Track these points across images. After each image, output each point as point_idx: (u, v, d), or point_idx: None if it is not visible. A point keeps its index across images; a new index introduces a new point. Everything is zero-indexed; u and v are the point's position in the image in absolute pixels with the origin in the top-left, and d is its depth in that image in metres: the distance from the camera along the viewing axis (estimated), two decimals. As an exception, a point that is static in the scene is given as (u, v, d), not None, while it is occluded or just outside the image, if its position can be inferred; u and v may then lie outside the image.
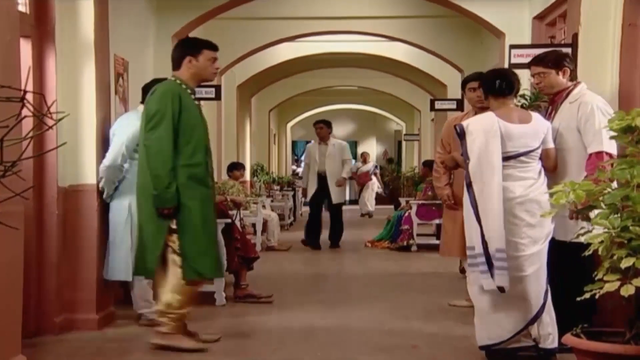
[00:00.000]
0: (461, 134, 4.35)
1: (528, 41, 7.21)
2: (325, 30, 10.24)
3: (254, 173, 14.06)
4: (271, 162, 18.82)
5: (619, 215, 3.27)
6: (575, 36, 5.04)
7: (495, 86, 4.44)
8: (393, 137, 25.38)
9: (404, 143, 22.63)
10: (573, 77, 4.54)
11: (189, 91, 4.52)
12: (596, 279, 3.33)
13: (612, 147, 4.11)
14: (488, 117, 4.37)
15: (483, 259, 4.20)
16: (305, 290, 7.25)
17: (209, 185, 4.58)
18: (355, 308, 6.10)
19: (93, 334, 5.03)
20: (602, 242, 3.28)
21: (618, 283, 3.22)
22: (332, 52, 12.51)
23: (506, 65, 6.07)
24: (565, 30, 5.93)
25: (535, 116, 4.45)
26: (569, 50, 5.14)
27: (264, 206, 11.05)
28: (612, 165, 3.61)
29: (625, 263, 3.15)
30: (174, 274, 4.48)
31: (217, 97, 8.25)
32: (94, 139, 5.22)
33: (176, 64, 4.59)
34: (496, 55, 8.11)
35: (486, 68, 9.33)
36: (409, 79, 14.18)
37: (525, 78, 7.09)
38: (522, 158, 4.27)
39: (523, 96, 6.83)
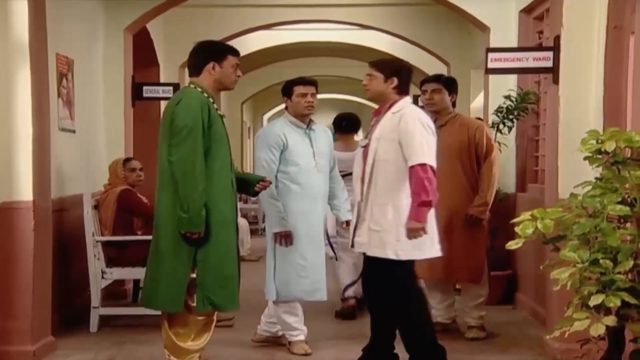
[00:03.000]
0: None
1: (515, 36, 7.22)
2: (297, 20, 10.17)
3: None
4: (245, 157, 18.76)
5: (589, 247, 3.30)
6: (557, 39, 5.06)
7: (342, 125, 6.90)
8: (382, 129, 25.27)
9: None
10: (404, 90, 4.72)
11: (211, 100, 4.47)
12: (565, 315, 3.36)
13: (433, 160, 4.46)
14: None
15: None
16: (272, 309, 7.24)
17: (234, 206, 4.54)
18: (321, 331, 6.08)
19: (28, 367, 5.02)
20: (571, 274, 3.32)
21: (588, 321, 3.25)
22: (308, 42, 12.45)
23: (477, 80, 6.19)
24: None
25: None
26: (550, 53, 5.17)
27: (233, 212, 11.02)
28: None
29: (594, 301, 3.19)
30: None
31: (176, 95, 8.20)
32: (30, 150, 5.17)
33: (196, 70, 4.52)
34: (483, 49, 8.11)
35: (474, 61, 9.44)
36: (393, 70, 14.16)
37: (511, 81, 7.15)
38: (349, 177, 5.42)
39: (508, 97, 6.89)
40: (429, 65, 11.62)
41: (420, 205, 4.37)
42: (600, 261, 3.22)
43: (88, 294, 6.13)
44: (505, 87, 7.03)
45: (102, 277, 6.16)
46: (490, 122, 7.09)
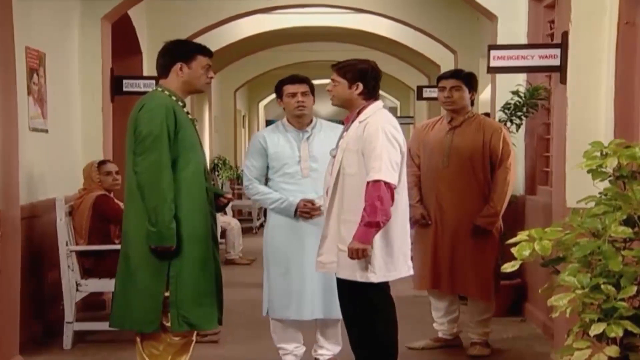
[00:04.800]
0: None
1: (524, 26, 7.21)
2: (290, 4, 10.17)
3: (214, 168, 14.00)
4: (239, 148, 18.78)
5: (590, 270, 3.30)
6: (565, 35, 5.04)
7: None
8: (389, 115, 25.34)
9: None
10: (372, 95, 4.57)
11: (180, 104, 4.48)
12: (565, 344, 3.36)
13: (391, 177, 4.31)
14: None
15: None
16: (262, 321, 7.22)
17: (209, 216, 4.55)
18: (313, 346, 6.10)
19: (-6, 389, 5.04)
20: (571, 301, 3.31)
21: (589, 351, 3.25)
22: (304, 27, 12.45)
23: (485, 70, 6.16)
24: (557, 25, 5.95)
25: None
26: (557, 51, 5.16)
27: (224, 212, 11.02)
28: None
29: (595, 330, 3.18)
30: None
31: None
32: (-5, 155, 5.19)
33: (163, 71, 4.52)
34: (491, 38, 8.10)
35: (483, 49, 9.39)
36: (397, 56, 14.16)
37: (520, 75, 7.13)
38: None
39: (517, 93, 6.87)
40: (435, 53, 11.63)
41: (366, 225, 4.28)
42: (602, 287, 3.21)
43: (61, 308, 6.15)
44: (513, 82, 7.01)
45: (77, 290, 6.16)
46: (496, 119, 7.08)
